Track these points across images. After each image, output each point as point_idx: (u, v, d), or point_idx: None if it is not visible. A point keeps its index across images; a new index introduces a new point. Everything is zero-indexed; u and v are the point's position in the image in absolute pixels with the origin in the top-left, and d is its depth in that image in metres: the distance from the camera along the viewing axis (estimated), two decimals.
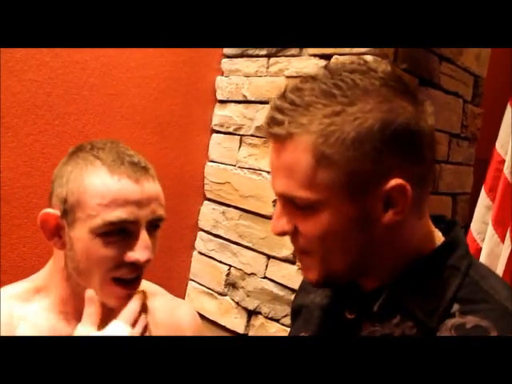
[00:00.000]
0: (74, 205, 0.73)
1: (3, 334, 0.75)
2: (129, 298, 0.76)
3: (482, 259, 1.48)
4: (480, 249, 1.52)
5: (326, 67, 0.62)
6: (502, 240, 1.46)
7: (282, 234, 0.65)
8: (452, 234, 0.67)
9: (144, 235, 0.73)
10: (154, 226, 0.76)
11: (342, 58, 1.34)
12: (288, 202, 0.62)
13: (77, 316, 0.79)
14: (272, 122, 0.60)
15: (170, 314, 0.92)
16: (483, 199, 1.56)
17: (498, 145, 1.54)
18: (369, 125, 0.56)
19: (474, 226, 1.57)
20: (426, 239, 0.66)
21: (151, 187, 0.75)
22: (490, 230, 1.48)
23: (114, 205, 0.71)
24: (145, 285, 0.92)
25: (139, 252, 0.72)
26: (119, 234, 0.72)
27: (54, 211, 0.76)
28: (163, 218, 0.78)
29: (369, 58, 1.29)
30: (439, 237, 0.67)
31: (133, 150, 0.78)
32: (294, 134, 0.58)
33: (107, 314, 0.80)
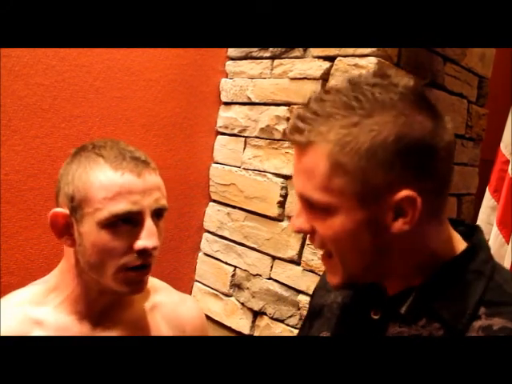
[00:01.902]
0: (82, 201, 0.76)
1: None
2: (141, 283, 0.80)
3: None
4: None
5: (349, 80, 0.65)
6: (507, 240, 1.46)
7: (299, 231, 0.69)
8: (474, 238, 0.68)
9: (149, 223, 0.77)
10: (157, 215, 0.79)
11: (345, 60, 1.35)
12: (306, 203, 0.66)
13: (89, 315, 0.82)
14: (294, 129, 0.64)
15: (176, 308, 0.94)
16: (488, 200, 1.56)
17: (502, 145, 1.54)
18: (383, 137, 0.59)
19: None
20: (447, 244, 0.67)
21: (153, 179, 0.79)
22: (495, 230, 1.48)
23: (119, 197, 0.75)
24: (151, 281, 0.94)
25: (146, 240, 0.76)
26: (125, 224, 0.76)
27: (63, 210, 0.79)
28: (166, 208, 0.81)
29: (373, 59, 1.30)
30: (460, 241, 0.69)
31: (133, 146, 0.81)
32: (313, 142, 0.62)
33: (103, 311, 0.82)
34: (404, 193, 0.60)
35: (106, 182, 0.75)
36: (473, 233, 0.69)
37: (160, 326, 0.89)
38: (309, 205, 0.65)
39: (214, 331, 1.67)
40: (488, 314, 0.62)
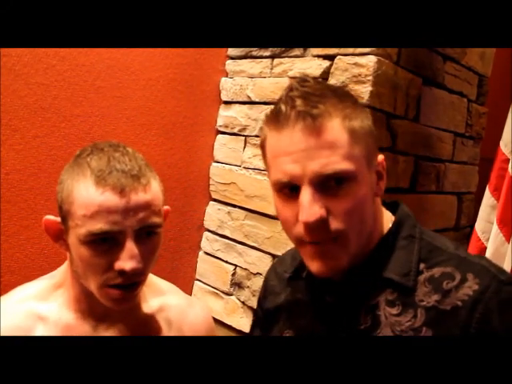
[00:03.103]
0: (66, 214, 0.76)
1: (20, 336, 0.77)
2: (125, 300, 0.77)
3: None
4: (485, 248, 1.52)
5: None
6: (508, 239, 1.46)
7: (319, 220, 0.66)
8: (399, 211, 0.78)
9: (130, 245, 0.73)
10: (146, 233, 0.76)
11: (345, 59, 1.35)
12: (325, 183, 0.66)
13: (92, 314, 0.82)
14: (306, 104, 0.66)
15: (183, 312, 0.93)
16: (488, 198, 1.56)
17: (502, 144, 1.54)
18: (362, 108, 0.72)
19: (479, 226, 1.57)
20: (381, 220, 0.77)
21: (139, 196, 0.74)
22: (495, 229, 1.48)
23: (98, 216, 0.72)
24: (159, 283, 0.94)
25: (124, 261, 0.73)
26: (106, 243, 0.73)
27: (54, 218, 0.79)
28: (157, 225, 0.77)
29: (373, 58, 1.30)
30: (390, 215, 0.78)
31: (130, 155, 0.77)
32: (330, 113, 0.67)
33: (106, 310, 0.81)
34: (381, 157, 0.74)
35: (86, 199, 0.73)
36: (397, 208, 0.79)
37: (164, 330, 0.89)
38: (326, 186, 0.66)
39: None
40: (427, 267, 0.71)
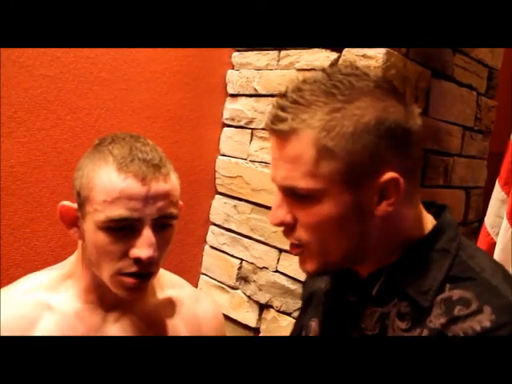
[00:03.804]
0: (85, 199, 0.76)
1: (25, 326, 0.78)
2: (138, 289, 0.78)
3: (497, 253, 1.47)
4: (494, 243, 1.50)
5: (323, 71, 0.66)
6: None
7: (280, 224, 0.68)
8: (441, 218, 0.71)
9: (147, 233, 0.74)
10: (162, 223, 0.77)
11: (353, 50, 1.33)
12: (289, 193, 0.66)
13: (102, 305, 0.82)
14: (275, 119, 0.64)
15: (193, 306, 0.93)
16: (498, 193, 1.54)
17: None
18: (365, 120, 0.61)
19: (488, 220, 1.56)
20: (418, 225, 0.70)
21: (160, 186, 0.75)
22: (505, 223, 1.46)
23: (118, 202, 0.72)
24: (168, 275, 0.94)
25: (141, 249, 0.74)
26: (123, 230, 0.74)
27: (71, 204, 0.79)
28: (173, 216, 0.78)
29: (382, 50, 1.28)
30: (431, 221, 0.71)
31: (151, 146, 0.78)
32: (297, 129, 0.62)
33: (116, 301, 0.81)
34: (389, 175, 0.63)
35: (107, 184, 0.73)
36: (441, 212, 0.72)
37: (173, 322, 0.89)
38: (293, 194, 0.65)
39: None
40: (451, 288, 0.65)
